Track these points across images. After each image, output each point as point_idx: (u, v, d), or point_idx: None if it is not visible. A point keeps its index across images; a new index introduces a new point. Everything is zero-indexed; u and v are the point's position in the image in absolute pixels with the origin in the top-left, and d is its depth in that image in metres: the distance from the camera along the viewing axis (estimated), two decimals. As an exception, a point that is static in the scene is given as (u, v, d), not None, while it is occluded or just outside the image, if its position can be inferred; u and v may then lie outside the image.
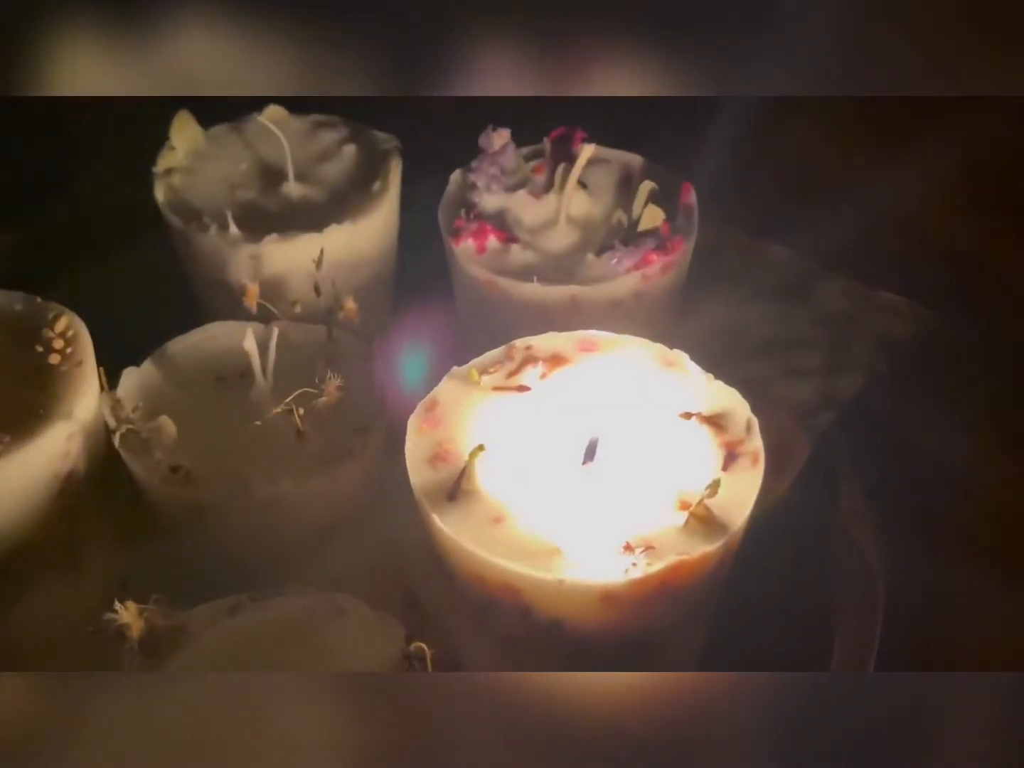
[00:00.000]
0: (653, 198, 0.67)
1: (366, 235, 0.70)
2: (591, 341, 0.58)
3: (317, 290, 0.63)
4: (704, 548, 0.48)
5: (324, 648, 0.50)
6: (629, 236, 0.66)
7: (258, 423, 0.56)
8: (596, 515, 0.50)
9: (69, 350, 0.59)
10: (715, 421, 0.53)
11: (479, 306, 0.67)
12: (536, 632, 0.50)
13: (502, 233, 0.66)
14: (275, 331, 0.60)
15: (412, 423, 0.53)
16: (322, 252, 0.63)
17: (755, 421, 0.53)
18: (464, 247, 0.66)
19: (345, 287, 0.65)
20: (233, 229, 0.67)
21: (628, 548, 0.48)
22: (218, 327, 0.64)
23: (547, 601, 0.49)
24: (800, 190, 0.82)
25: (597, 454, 0.53)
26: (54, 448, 0.56)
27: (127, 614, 0.48)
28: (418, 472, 0.51)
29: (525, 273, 0.64)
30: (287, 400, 0.56)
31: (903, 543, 0.66)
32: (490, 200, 0.69)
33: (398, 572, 0.57)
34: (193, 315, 0.67)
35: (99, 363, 0.61)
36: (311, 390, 0.57)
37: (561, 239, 0.68)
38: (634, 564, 0.48)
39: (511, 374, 0.56)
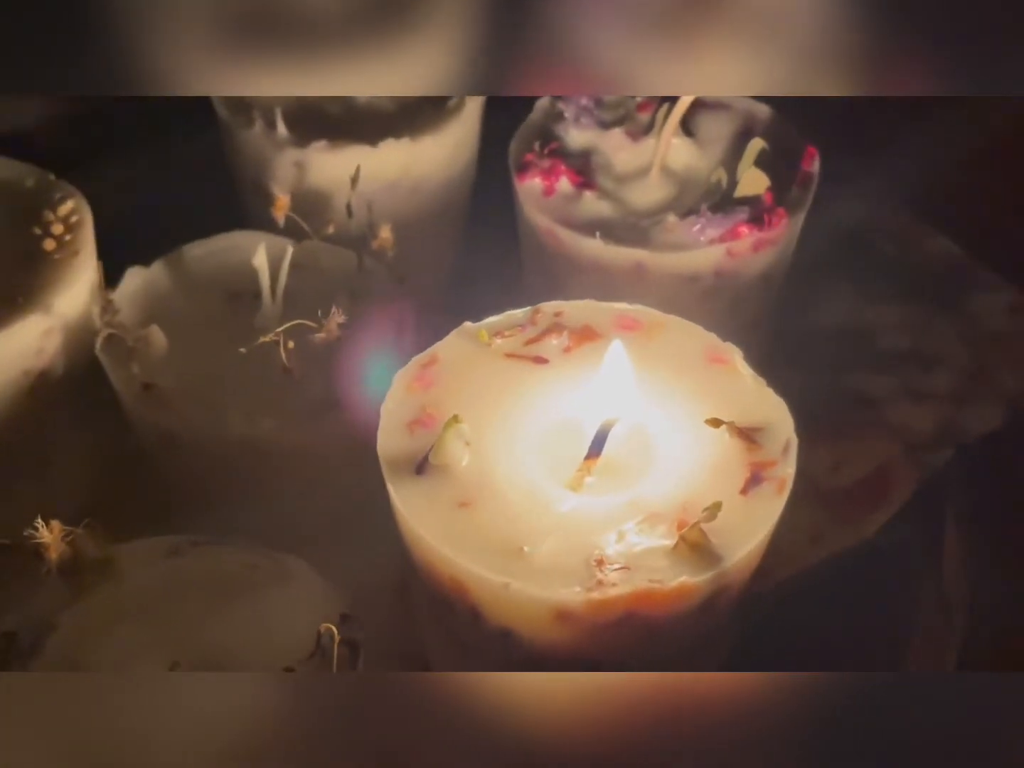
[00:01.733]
0: (763, 160, 0.65)
1: (430, 157, 0.71)
2: (633, 319, 0.57)
3: (349, 211, 0.64)
4: (684, 578, 0.48)
5: (256, 611, 0.52)
6: (723, 201, 0.65)
7: (243, 350, 0.59)
8: (580, 518, 0.50)
9: (68, 237, 0.62)
10: (748, 435, 0.52)
11: (539, 258, 0.67)
12: (488, 641, 0.50)
13: (578, 176, 0.66)
14: (289, 250, 0.62)
15: (400, 378, 0.54)
16: (358, 169, 0.64)
17: (795, 443, 0.52)
18: (529, 185, 0.66)
19: (390, 212, 0.66)
20: (281, 129, 0.69)
21: (600, 563, 0.48)
22: (242, 237, 0.66)
23: (496, 607, 0.49)
24: (984, 182, 0.79)
25: (604, 449, 0.53)
26: (26, 342, 0.59)
27: (48, 534, 0.51)
28: (389, 435, 0.52)
29: (592, 226, 0.64)
30: (277, 330, 0.58)
31: (1003, 619, 0.64)
32: (577, 135, 0.69)
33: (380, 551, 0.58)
34: (234, 222, 0.70)
35: (108, 259, 0.64)
36: (309, 323, 0.59)
37: (649, 193, 0.67)
38: (599, 582, 0.48)
39: (531, 341, 0.56)
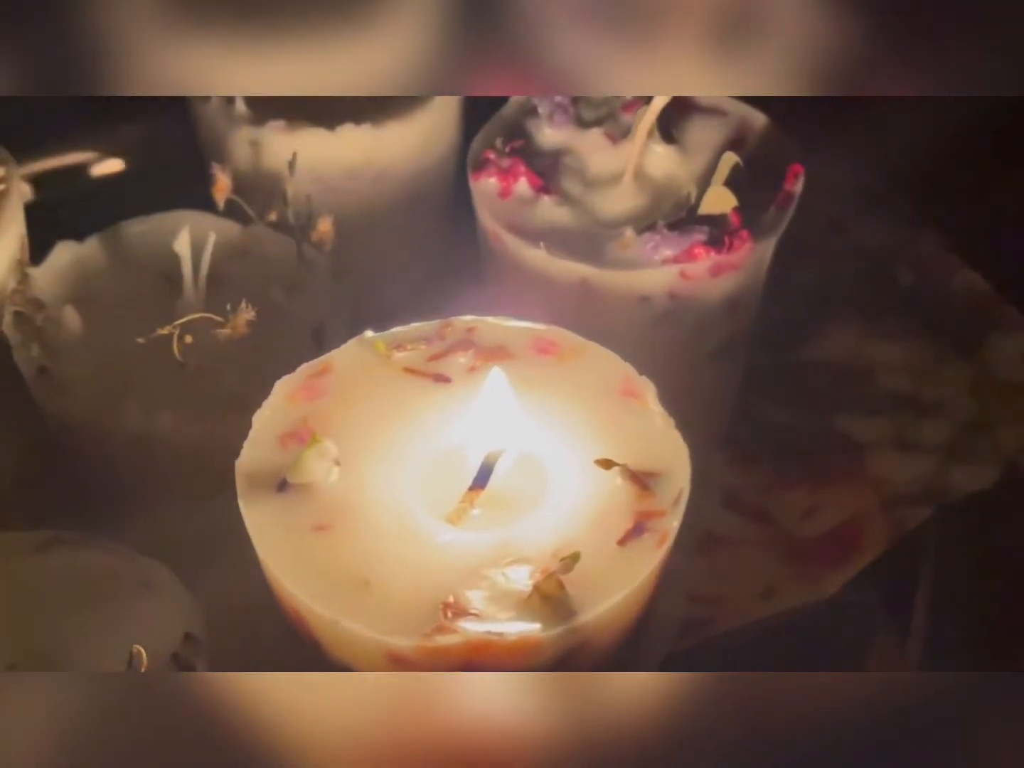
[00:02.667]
0: (738, 175, 0.63)
1: (396, 145, 0.70)
2: (550, 341, 0.55)
3: (284, 199, 0.64)
4: (524, 632, 0.46)
5: (107, 618, 0.51)
6: (686, 218, 0.62)
7: (140, 340, 0.58)
8: (447, 555, 0.49)
9: (-10, 203, 0.63)
10: (641, 480, 0.50)
11: (492, 265, 0.66)
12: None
13: (538, 178, 0.64)
14: (211, 236, 0.62)
15: (281, 387, 0.53)
16: (295, 156, 0.64)
17: (687, 493, 0.50)
18: (484, 184, 0.64)
19: (349, 201, 0.66)
20: (240, 105, 0.69)
21: (447, 607, 0.47)
22: (185, 217, 0.66)
23: (334, 644, 0.48)
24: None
25: (493, 481, 0.51)
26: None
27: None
28: (256, 446, 0.51)
29: (544, 235, 0.63)
30: (175, 323, 0.58)
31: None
32: (551, 134, 0.67)
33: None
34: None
35: (49, 234, 0.65)
36: (214, 317, 0.59)
37: (617, 202, 0.65)
38: (439, 628, 0.46)
39: (435, 357, 0.55)
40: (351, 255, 0.63)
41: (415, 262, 0.71)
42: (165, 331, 0.56)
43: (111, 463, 0.59)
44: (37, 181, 0.72)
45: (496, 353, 0.54)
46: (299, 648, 0.49)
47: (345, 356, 0.54)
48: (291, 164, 0.62)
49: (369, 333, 0.54)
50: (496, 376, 0.50)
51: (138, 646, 0.46)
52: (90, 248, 0.64)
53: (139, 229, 0.65)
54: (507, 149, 0.64)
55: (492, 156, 0.63)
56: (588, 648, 0.47)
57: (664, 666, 0.57)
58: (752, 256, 0.60)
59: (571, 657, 0.47)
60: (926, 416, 0.69)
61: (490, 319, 0.55)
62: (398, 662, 0.46)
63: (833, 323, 0.73)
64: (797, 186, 0.62)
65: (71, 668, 0.48)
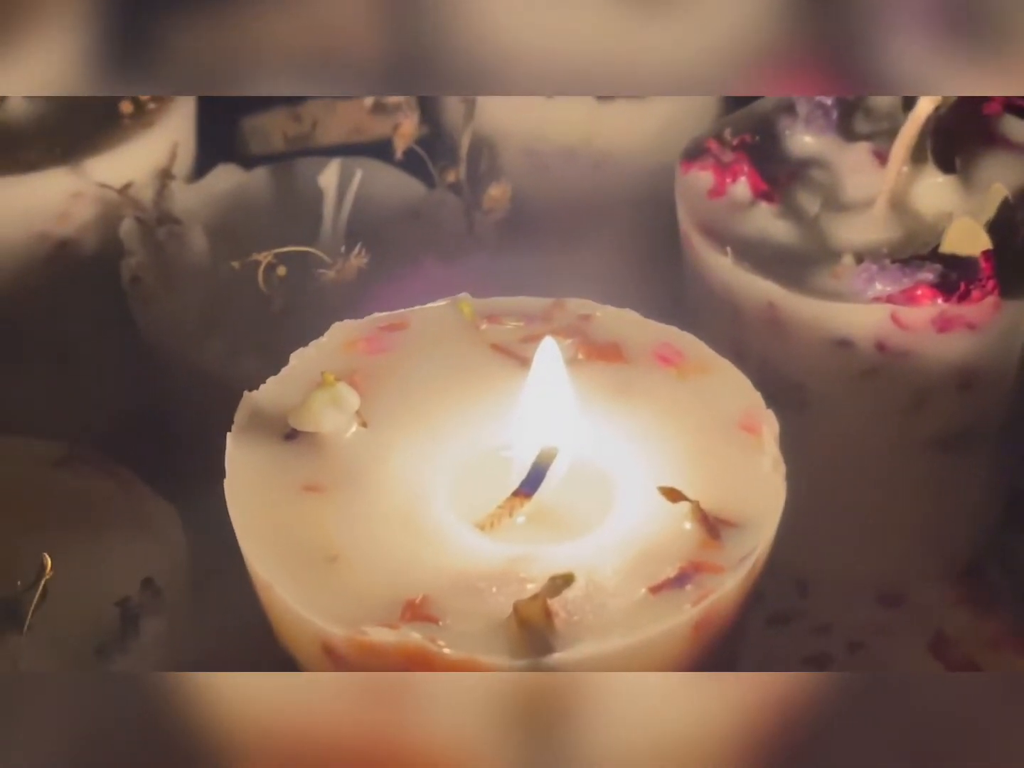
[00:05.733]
0: (1005, 214, 0.57)
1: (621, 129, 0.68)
2: (677, 351, 0.52)
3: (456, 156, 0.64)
4: (478, 657, 0.42)
5: (95, 547, 0.53)
6: (920, 253, 0.57)
7: (235, 264, 0.59)
8: (435, 554, 0.46)
9: (151, 106, 0.66)
10: (711, 524, 0.46)
11: (685, 263, 0.63)
12: (281, 664, 0.48)
13: (763, 182, 0.61)
14: (358, 173, 0.62)
15: (341, 329, 0.52)
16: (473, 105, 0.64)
17: (760, 555, 0.45)
18: (692, 178, 0.62)
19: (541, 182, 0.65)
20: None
21: (409, 607, 0.44)
22: (361, 164, 0.67)
23: (277, 620, 0.46)
24: None
25: (540, 487, 0.48)
26: (47, 198, 0.62)
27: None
28: (282, 384, 0.49)
29: (743, 244, 0.59)
30: (274, 251, 0.58)
31: None
32: (807, 141, 0.64)
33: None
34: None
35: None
36: (320, 254, 0.59)
37: (858, 231, 0.60)
38: (386, 625, 0.43)
39: (531, 338, 0.52)
40: (529, 231, 0.62)
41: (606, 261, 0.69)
42: (259, 257, 0.56)
43: (182, 394, 0.59)
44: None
45: (607, 351, 0.51)
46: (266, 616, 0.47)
47: (427, 316, 0.52)
48: (467, 115, 0.61)
49: (466, 295, 0.52)
50: (548, 348, 0.47)
51: (46, 554, 0.45)
52: (254, 178, 0.66)
53: (311, 170, 0.66)
54: (735, 142, 0.60)
55: (714, 147, 0.60)
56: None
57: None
58: (999, 317, 0.54)
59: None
60: None
61: (615, 310, 0.52)
62: (330, 654, 0.43)
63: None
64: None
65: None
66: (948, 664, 0.61)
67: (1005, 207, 0.56)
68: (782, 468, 0.47)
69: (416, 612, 0.43)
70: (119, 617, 0.48)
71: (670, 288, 0.64)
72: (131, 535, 0.52)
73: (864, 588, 0.63)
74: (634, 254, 0.68)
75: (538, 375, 0.48)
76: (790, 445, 0.57)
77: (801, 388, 0.58)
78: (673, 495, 0.46)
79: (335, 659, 0.44)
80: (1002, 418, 0.59)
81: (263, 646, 0.48)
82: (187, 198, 0.64)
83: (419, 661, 0.42)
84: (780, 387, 0.58)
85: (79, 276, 0.64)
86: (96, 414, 0.64)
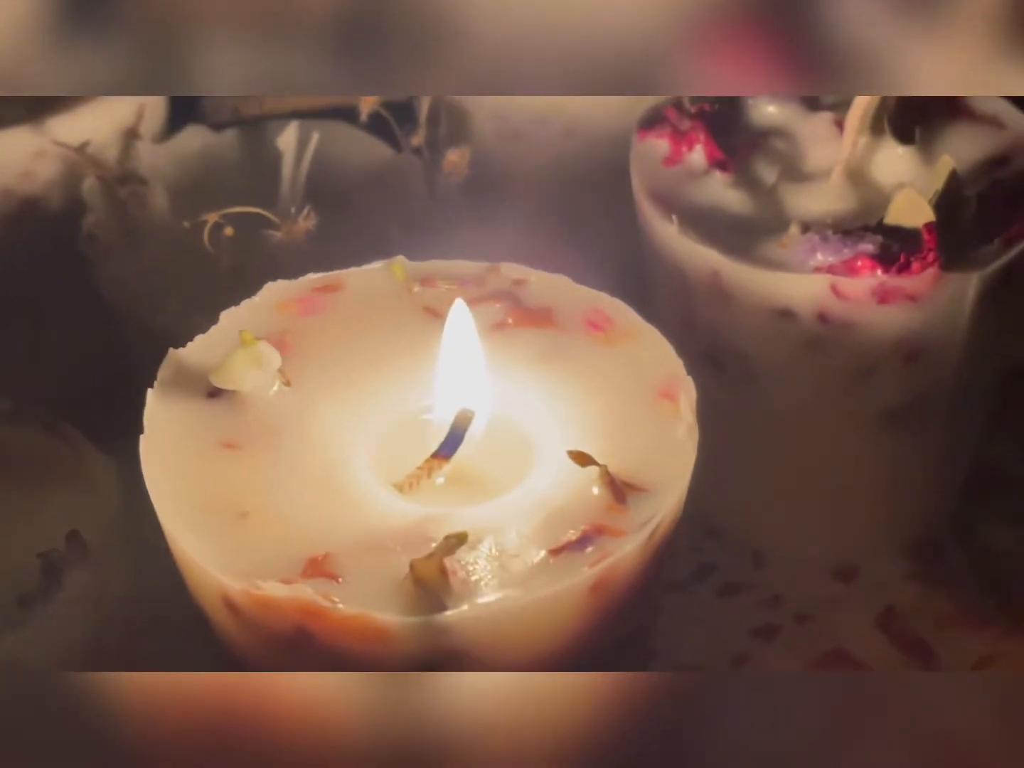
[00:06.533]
0: (953, 187, 0.57)
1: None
2: (607, 317, 0.52)
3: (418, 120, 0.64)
4: (363, 610, 0.43)
5: (30, 501, 0.54)
6: (864, 225, 0.57)
7: (186, 224, 0.60)
8: (347, 513, 0.47)
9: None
10: (618, 489, 0.46)
11: (639, 232, 0.63)
12: (191, 621, 0.49)
13: (719, 151, 0.61)
14: (315, 136, 0.63)
15: (273, 289, 0.53)
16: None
17: (664, 523, 0.46)
18: (647, 146, 0.62)
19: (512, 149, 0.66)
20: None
21: (312, 563, 0.45)
22: (329, 127, 0.68)
23: (191, 576, 0.47)
24: None
25: (458, 450, 0.49)
26: (9, 156, 0.64)
27: None
28: (209, 342, 0.51)
29: (691, 212, 0.59)
30: (222, 212, 0.59)
31: None
32: (769, 112, 0.64)
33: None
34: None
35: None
36: (268, 215, 0.60)
37: (812, 200, 0.60)
38: (284, 581, 0.45)
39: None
40: (492, 197, 0.62)
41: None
42: (207, 217, 0.57)
43: (135, 352, 0.60)
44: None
45: (537, 316, 0.52)
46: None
47: (362, 278, 0.53)
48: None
49: (401, 257, 0.53)
50: (459, 311, 0.48)
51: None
52: (222, 139, 0.67)
53: (279, 133, 0.66)
54: (693, 110, 0.60)
55: (672, 115, 0.61)
56: (468, 660, 0.43)
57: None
58: (940, 290, 0.54)
59: (442, 664, 0.43)
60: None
61: (548, 276, 0.52)
62: (230, 608, 0.44)
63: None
64: (1036, 216, 0.55)
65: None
66: (893, 639, 0.61)
67: (953, 179, 0.56)
68: (695, 436, 0.47)
69: (317, 568, 0.44)
70: (39, 569, 0.49)
71: (633, 257, 0.64)
72: (66, 490, 0.53)
73: (819, 561, 0.64)
74: (601, 222, 0.69)
75: (451, 338, 0.48)
76: (739, 416, 0.58)
77: (748, 358, 0.58)
78: (582, 459, 0.46)
79: (235, 612, 0.45)
80: (952, 391, 0.58)
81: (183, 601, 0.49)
82: (154, 158, 0.65)
83: (313, 616, 0.43)
84: (728, 358, 0.59)
85: (43, 234, 0.65)
86: (50, 371, 0.65)
